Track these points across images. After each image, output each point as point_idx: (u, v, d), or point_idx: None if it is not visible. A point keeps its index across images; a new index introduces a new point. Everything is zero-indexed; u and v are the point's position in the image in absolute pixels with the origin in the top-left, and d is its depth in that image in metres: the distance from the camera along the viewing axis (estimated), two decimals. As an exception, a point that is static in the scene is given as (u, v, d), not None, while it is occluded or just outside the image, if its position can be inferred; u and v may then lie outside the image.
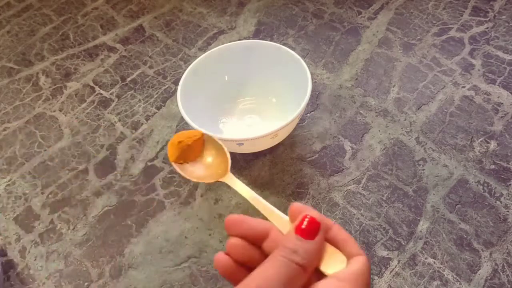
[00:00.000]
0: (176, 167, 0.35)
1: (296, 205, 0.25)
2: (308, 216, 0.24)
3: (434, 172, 0.54)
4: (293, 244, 0.23)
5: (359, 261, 0.23)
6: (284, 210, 0.53)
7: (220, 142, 0.37)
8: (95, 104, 0.65)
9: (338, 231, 0.24)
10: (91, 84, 0.68)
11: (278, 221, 0.26)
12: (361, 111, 0.60)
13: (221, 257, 0.25)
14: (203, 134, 0.37)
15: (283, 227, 0.26)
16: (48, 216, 0.54)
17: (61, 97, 0.66)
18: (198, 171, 0.36)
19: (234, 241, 0.25)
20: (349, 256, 0.24)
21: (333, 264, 0.24)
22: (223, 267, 0.25)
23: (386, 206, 0.51)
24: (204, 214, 0.52)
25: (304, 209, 0.24)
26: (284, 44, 0.59)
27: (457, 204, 0.51)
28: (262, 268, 0.22)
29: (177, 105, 0.51)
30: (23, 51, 0.74)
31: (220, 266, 0.25)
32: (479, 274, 0.46)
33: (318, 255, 0.23)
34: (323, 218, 0.24)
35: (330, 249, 0.24)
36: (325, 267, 0.24)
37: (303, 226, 0.23)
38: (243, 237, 0.25)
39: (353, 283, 0.22)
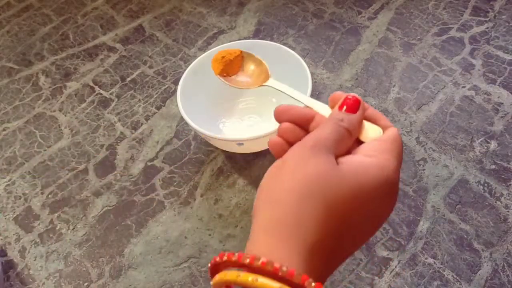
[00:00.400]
0: (221, 78, 0.40)
1: (337, 93, 0.29)
2: (350, 95, 0.28)
3: (434, 172, 0.53)
4: (339, 115, 0.28)
5: (393, 130, 0.28)
6: (284, 210, 0.53)
7: (257, 56, 0.42)
8: (95, 104, 0.65)
9: (373, 110, 0.29)
10: (91, 84, 0.67)
11: (321, 108, 0.31)
12: (361, 111, 0.60)
13: (274, 139, 0.29)
14: (241, 51, 0.42)
15: (326, 113, 0.30)
16: (48, 216, 0.54)
17: (61, 97, 0.66)
18: (243, 80, 0.41)
19: (285, 125, 0.29)
20: (383, 128, 0.28)
21: (371, 134, 0.28)
22: (277, 146, 0.28)
23: (386, 206, 0.51)
24: (204, 214, 0.52)
25: (345, 94, 0.29)
26: (284, 44, 0.59)
27: (458, 204, 0.51)
28: (316, 130, 0.27)
29: (177, 105, 0.51)
30: (23, 51, 0.74)
31: (274, 147, 0.28)
32: (479, 274, 0.46)
33: (359, 124, 0.28)
34: (369, 107, 0.29)
35: (367, 123, 0.29)
36: (364, 138, 0.28)
37: (349, 101, 0.28)
38: (291, 121, 0.29)
39: (391, 143, 0.27)
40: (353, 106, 0.28)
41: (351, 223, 0.25)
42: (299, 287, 0.22)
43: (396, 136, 0.28)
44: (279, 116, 0.30)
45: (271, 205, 0.25)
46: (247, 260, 0.22)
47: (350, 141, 0.27)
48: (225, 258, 0.23)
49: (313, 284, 0.22)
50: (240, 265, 0.23)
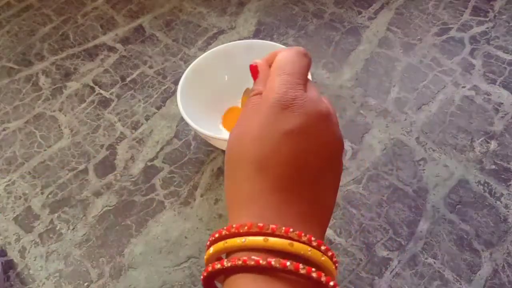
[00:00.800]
0: None
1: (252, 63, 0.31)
2: (253, 63, 0.31)
3: (434, 172, 0.53)
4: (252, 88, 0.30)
5: (277, 56, 0.30)
6: (284, 210, 0.52)
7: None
8: (95, 104, 0.65)
9: (273, 53, 0.31)
10: (91, 84, 0.67)
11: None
12: (361, 111, 0.60)
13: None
14: None
15: None
16: (48, 216, 0.54)
17: (61, 97, 0.66)
18: None
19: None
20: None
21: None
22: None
23: (386, 206, 0.51)
24: (204, 214, 0.52)
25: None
26: (284, 44, 0.59)
27: (458, 204, 0.51)
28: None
29: (177, 105, 0.51)
30: (23, 51, 0.74)
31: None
32: (479, 275, 0.46)
33: (265, 81, 0.29)
34: (269, 55, 0.31)
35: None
36: None
37: (252, 72, 0.31)
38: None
39: (273, 68, 0.29)
40: (255, 72, 0.31)
41: (272, 156, 0.25)
42: (282, 237, 0.23)
43: (283, 54, 0.29)
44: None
45: (260, 171, 0.26)
46: (233, 229, 0.24)
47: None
48: (217, 235, 0.25)
49: (295, 232, 0.23)
50: (231, 236, 0.24)
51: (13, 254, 0.51)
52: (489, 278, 0.45)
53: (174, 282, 0.47)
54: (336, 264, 0.25)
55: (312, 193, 0.26)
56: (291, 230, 0.23)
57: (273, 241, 0.23)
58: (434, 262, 0.47)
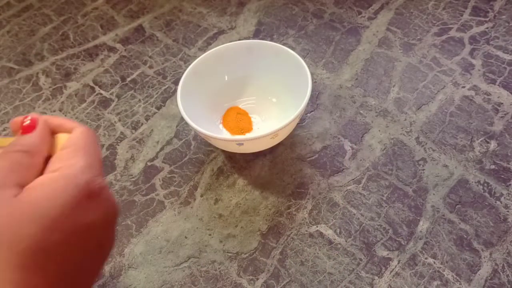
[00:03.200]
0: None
1: (15, 119, 0.28)
2: (26, 118, 0.27)
3: (434, 172, 0.54)
4: (14, 141, 0.26)
5: (77, 130, 0.26)
6: (285, 210, 0.53)
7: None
8: (95, 104, 0.65)
9: (58, 119, 0.27)
10: (91, 84, 0.68)
11: (7, 142, 0.28)
12: (361, 111, 0.60)
13: None
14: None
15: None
16: (48, 216, 0.54)
17: (61, 97, 0.66)
18: None
19: None
20: (70, 131, 0.27)
21: (61, 144, 0.27)
22: None
23: (386, 206, 0.51)
24: (204, 214, 0.52)
25: (22, 117, 0.27)
26: (284, 44, 0.59)
27: (457, 204, 0.51)
28: None
29: (177, 105, 0.51)
30: (23, 51, 0.74)
31: None
32: (479, 274, 0.46)
33: (42, 140, 0.26)
34: (49, 118, 0.28)
35: (57, 136, 0.27)
36: (57, 150, 0.26)
37: (25, 124, 0.27)
38: None
39: (74, 144, 0.25)
40: (29, 127, 0.27)
41: (58, 250, 0.21)
42: None
43: (79, 134, 0.26)
44: None
45: None
46: None
47: (35, 162, 0.25)
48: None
49: None
50: None
51: (13, 254, 0.51)
52: (489, 278, 0.45)
53: (174, 282, 0.47)
54: None
55: (78, 274, 0.23)
56: None
57: None
58: (434, 262, 0.47)
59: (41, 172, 0.25)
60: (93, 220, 0.23)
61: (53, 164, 0.24)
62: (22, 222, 0.21)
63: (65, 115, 0.64)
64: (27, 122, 0.27)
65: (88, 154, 0.25)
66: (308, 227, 0.50)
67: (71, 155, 0.25)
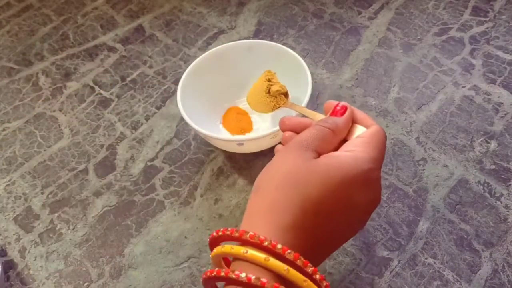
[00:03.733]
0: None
1: (329, 101, 0.34)
2: (340, 105, 0.33)
3: (434, 172, 0.53)
4: (326, 118, 0.32)
5: (375, 127, 0.31)
6: (284, 210, 0.52)
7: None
8: (95, 104, 0.65)
9: (361, 113, 0.33)
10: (91, 84, 0.68)
11: (318, 117, 0.36)
12: (361, 111, 0.60)
13: (279, 146, 0.35)
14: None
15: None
16: (48, 216, 0.54)
17: (61, 97, 0.66)
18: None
19: (286, 133, 0.34)
20: (368, 127, 0.32)
21: (357, 133, 0.32)
22: None
23: (386, 206, 0.51)
24: (204, 214, 0.52)
25: (336, 102, 0.33)
26: (284, 44, 0.59)
27: (457, 204, 0.51)
28: (303, 132, 0.31)
29: (177, 105, 0.51)
30: (23, 51, 0.74)
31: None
32: (479, 274, 0.46)
33: (345, 125, 0.32)
34: (357, 111, 0.34)
35: (355, 125, 0.33)
36: (351, 137, 0.32)
37: (337, 109, 0.33)
38: (292, 130, 0.34)
39: (370, 137, 0.30)
40: (339, 112, 0.32)
41: (327, 208, 0.27)
42: (281, 257, 0.25)
43: (375, 131, 0.31)
44: (283, 124, 0.35)
45: (256, 193, 0.29)
46: (237, 234, 0.26)
47: (335, 140, 0.31)
48: (220, 233, 0.28)
49: (292, 254, 0.25)
50: (233, 238, 0.27)
51: (13, 254, 0.51)
52: (489, 278, 0.45)
53: (174, 282, 0.47)
54: None
55: (330, 251, 0.30)
56: (288, 251, 0.25)
57: (273, 262, 0.25)
58: (434, 262, 0.47)
59: (335, 149, 0.31)
60: (360, 201, 0.28)
61: (347, 146, 0.30)
62: (314, 178, 0.27)
63: (65, 115, 0.64)
64: (339, 107, 0.33)
65: (377, 149, 0.30)
66: (308, 227, 0.50)
67: (364, 145, 0.29)
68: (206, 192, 0.54)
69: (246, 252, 0.25)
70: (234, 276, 0.25)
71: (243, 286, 0.25)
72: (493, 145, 0.55)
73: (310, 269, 0.26)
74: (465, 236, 0.48)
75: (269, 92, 0.47)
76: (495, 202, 0.51)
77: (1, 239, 0.53)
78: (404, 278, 0.46)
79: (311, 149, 0.29)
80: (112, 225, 0.52)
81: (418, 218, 0.50)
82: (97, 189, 0.55)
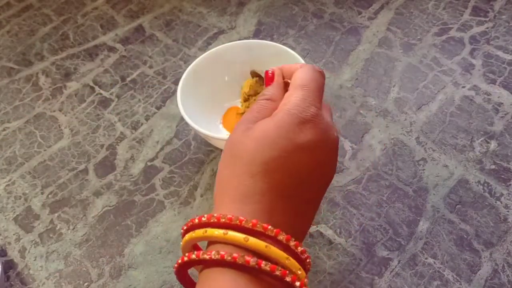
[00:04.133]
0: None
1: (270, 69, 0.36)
2: (269, 70, 0.35)
3: (434, 172, 0.53)
4: (262, 92, 0.34)
5: (298, 71, 0.32)
6: (284, 210, 0.52)
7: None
8: (95, 104, 0.65)
9: (285, 68, 0.35)
10: (91, 84, 0.67)
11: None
12: (361, 111, 0.60)
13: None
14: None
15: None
16: (48, 216, 0.54)
17: (61, 97, 0.66)
18: None
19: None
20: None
21: None
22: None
23: (386, 206, 0.51)
24: (204, 214, 0.52)
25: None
26: (284, 44, 0.59)
27: (457, 204, 0.51)
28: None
29: (177, 105, 0.51)
30: (23, 51, 0.74)
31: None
32: (479, 274, 0.46)
33: (278, 87, 0.33)
34: (284, 66, 0.35)
35: (286, 83, 0.34)
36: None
37: (268, 76, 0.35)
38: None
39: (294, 81, 0.31)
40: (270, 79, 0.35)
41: (277, 164, 0.27)
42: (262, 235, 0.25)
43: (298, 74, 0.32)
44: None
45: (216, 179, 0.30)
46: (215, 219, 0.26)
47: (275, 105, 0.31)
48: (196, 221, 0.27)
49: (273, 230, 0.25)
50: (210, 225, 0.26)
51: (13, 254, 0.51)
52: (489, 278, 0.45)
53: (174, 282, 0.47)
54: (309, 266, 0.27)
55: (304, 208, 0.29)
56: (270, 227, 0.25)
57: (252, 241, 0.24)
58: (434, 262, 0.47)
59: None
60: (304, 140, 0.28)
61: (284, 99, 0.31)
62: (252, 142, 0.28)
63: (65, 115, 0.64)
64: (270, 74, 0.35)
65: (303, 89, 0.30)
66: (308, 227, 0.50)
67: (291, 92, 0.31)
68: (206, 192, 0.54)
69: (226, 234, 0.25)
70: (218, 257, 0.24)
71: (225, 266, 0.24)
72: (493, 145, 0.55)
73: (292, 243, 0.25)
74: (465, 236, 0.48)
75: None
76: (495, 202, 0.51)
77: (1, 239, 0.53)
78: (404, 278, 0.46)
79: (253, 121, 0.30)
80: (112, 225, 0.52)
81: (418, 218, 0.50)
82: (97, 189, 0.55)
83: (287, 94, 0.31)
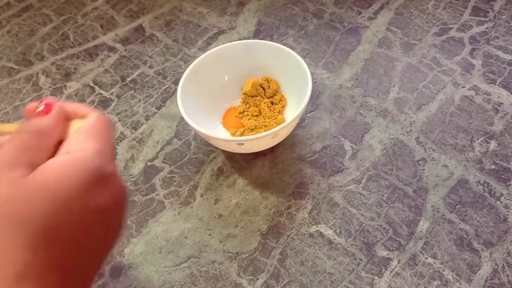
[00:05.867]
0: None
1: (30, 104, 0.28)
2: (41, 103, 0.27)
3: (434, 172, 0.53)
4: (25, 123, 0.26)
5: (92, 116, 0.27)
6: (285, 210, 0.53)
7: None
8: (95, 104, 0.65)
9: (74, 105, 0.28)
10: (91, 84, 0.68)
11: (12, 128, 0.28)
12: (361, 111, 0.60)
13: None
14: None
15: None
16: (48, 216, 0.54)
17: (61, 97, 0.66)
18: None
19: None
20: (84, 117, 0.27)
21: (75, 128, 0.27)
22: None
23: (386, 206, 0.51)
24: (204, 214, 0.52)
25: (37, 103, 0.28)
26: (284, 44, 0.59)
27: (457, 204, 0.51)
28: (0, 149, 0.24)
29: (177, 105, 0.51)
30: (23, 51, 0.74)
31: None
32: (479, 274, 0.46)
33: (54, 123, 0.26)
34: (68, 104, 0.28)
35: (73, 121, 0.28)
36: (68, 135, 0.27)
37: (39, 110, 0.27)
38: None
39: (88, 129, 0.26)
40: (44, 111, 0.27)
41: (71, 235, 0.22)
42: None
43: (94, 120, 0.26)
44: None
45: None
46: None
47: (46, 143, 0.25)
48: None
49: None
50: None
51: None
52: (489, 278, 0.45)
53: (174, 282, 0.47)
54: None
55: (87, 276, 0.24)
56: None
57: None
58: (434, 262, 0.47)
59: (53, 155, 0.25)
60: (101, 204, 0.23)
61: (65, 147, 0.25)
62: (33, 202, 0.21)
63: (65, 115, 0.64)
64: (41, 107, 0.27)
65: (101, 140, 0.25)
66: (308, 227, 0.50)
67: (84, 139, 0.25)
68: (206, 192, 0.54)
69: None
70: None
71: None
72: (493, 145, 0.55)
73: None
74: (465, 236, 0.48)
75: None
76: (495, 202, 0.51)
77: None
78: (404, 278, 0.46)
79: (18, 166, 0.22)
80: (112, 225, 0.52)
81: (418, 218, 0.50)
82: (97, 189, 0.55)
83: (75, 139, 0.25)
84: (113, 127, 0.27)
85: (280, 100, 0.57)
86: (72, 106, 0.28)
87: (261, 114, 0.56)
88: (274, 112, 0.56)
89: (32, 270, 0.20)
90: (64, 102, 0.28)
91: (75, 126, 0.27)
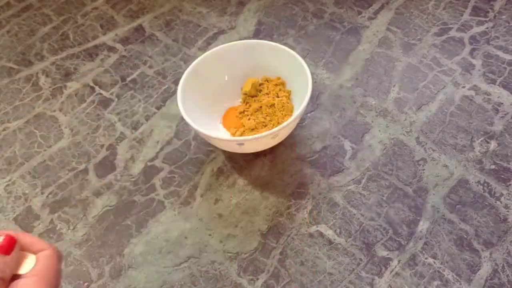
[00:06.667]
0: None
1: None
2: (4, 234, 0.26)
3: (434, 172, 0.53)
4: None
5: (44, 256, 0.27)
6: (285, 210, 0.53)
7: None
8: (95, 104, 0.65)
9: (23, 237, 0.28)
10: (91, 84, 0.67)
11: None
12: (361, 111, 0.60)
13: None
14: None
15: None
16: (48, 216, 0.54)
17: (61, 97, 0.66)
18: None
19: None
20: (36, 252, 0.28)
21: (27, 265, 0.27)
22: None
23: (386, 206, 0.51)
24: (204, 214, 0.52)
25: None
26: (284, 44, 0.59)
27: (457, 204, 0.51)
28: None
29: (177, 105, 0.51)
30: (23, 51, 0.74)
31: None
32: (479, 274, 0.46)
33: (14, 263, 0.26)
34: (25, 237, 0.28)
35: (24, 254, 0.28)
36: (20, 270, 0.27)
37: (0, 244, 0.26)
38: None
39: (39, 272, 0.26)
40: (7, 247, 0.26)
41: None
42: None
43: (43, 262, 0.27)
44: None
45: None
46: None
47: (3, 286, 0.26)
48: None
49: None
50: None
51: (13, 254, 0.51)
52: (489, 278, 0.45)
53: (174, 282, 0.47)
54: None
55: None
56: None
57: None
58: (434, 262, 0.47)
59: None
60: None
61: (21, 283, 0.25)
62: None
63: (65, 115, 0.64)
64: (3, 241, 0.26)
65: (53, 281, 0.27)
66: (308, 227, 0.50)
67: (35, 283, 0.26)
68: (206, 192, 0.54)
69: None
70: None
71: None
72: (493, 145, 0.55)
73: None
74: (465, 236, 0.48)
75: None
76: (495, 202, 0.51)
77: (1, 239, 0.52)
78: (404, 278, 0.46)
79: None
80: (112, 225, 0.52)
81: (418, 218, 0.50)
82: (97, 189, 0.55)
83: (28, 283, 0.26)
84: (61, 266, 0.28)
85: (282, 90, 0.57)
86: (28, 239, 0.28)
87: (273, 106, 0.56)
88: (285, 103, 0.56)
89: None
90: (21, 234, 0.28)
91: (27, 265, 0.27)
